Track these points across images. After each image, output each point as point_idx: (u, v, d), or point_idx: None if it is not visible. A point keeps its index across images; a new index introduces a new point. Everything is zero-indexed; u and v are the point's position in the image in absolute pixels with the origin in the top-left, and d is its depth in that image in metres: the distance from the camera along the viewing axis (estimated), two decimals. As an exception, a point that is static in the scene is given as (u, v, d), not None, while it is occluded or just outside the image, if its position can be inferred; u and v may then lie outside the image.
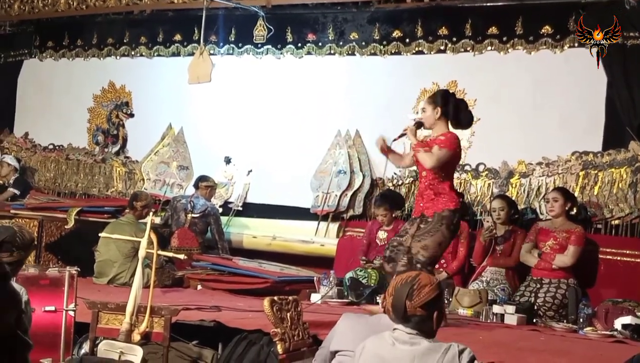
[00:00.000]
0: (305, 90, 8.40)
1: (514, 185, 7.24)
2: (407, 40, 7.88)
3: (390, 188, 7.67)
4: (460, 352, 2.93)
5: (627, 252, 6.58)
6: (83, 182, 9.64)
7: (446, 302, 6.13)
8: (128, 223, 7.13)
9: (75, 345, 4.84)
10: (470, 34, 7.55)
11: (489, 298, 6.28)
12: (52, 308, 4.48)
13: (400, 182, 7.73)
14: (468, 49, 7.57)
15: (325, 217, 7.91)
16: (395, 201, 7.14)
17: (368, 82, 8.10)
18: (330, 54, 8.33)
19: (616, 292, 6.36)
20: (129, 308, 4.57)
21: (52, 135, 9.97)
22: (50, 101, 9.99)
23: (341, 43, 8.25)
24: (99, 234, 6.30)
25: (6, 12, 9.93)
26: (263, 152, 8.52)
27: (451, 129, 5.50)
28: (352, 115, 8.12)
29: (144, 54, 9.38)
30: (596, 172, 6.85)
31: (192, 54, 8.76)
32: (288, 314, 3.90)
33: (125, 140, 9.55)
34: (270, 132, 8.50)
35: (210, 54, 8.56)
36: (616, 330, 5.56)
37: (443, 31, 7.70)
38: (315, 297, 6.34)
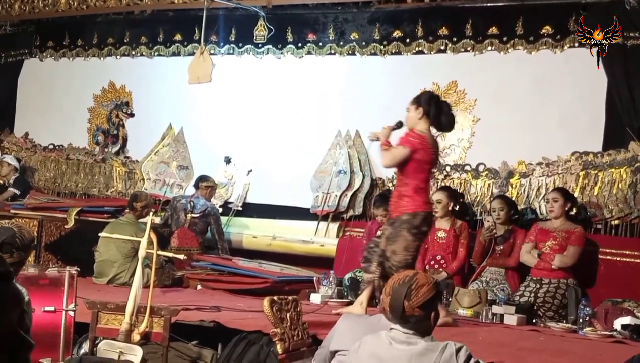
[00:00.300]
0: (306, 90, 8.40)
1: (514, 186, 7.23)
2: (408, 40, 7.88)
3: (390, 188, 7.66)
4: (457, 351, 2.93)
5: (627, 252, 6.58)
6: (83, 182, 9.64)
7: (446, 302, 6.14)
8: (128, 223, 7.13)
9: (75, 345, 4.83)
10: (470, 34, 7.55)
11: (489, 298, 6.28)
12: (52, 308, 4.46)
13: (400, 182, 7.72)
14: (468, 49, 7.57)
15: (325, 217, 7.91)
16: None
17: (368, 82, 8.10)
18: (330, 54, 8.33)
19: (616, 292, 6.35)
20: (129, 308, 4.58)
21: (52, 135, 9.97)
22: (50, 101, 9.99)
23: (341, 43, 8.25)
24: (99, 234, 6.31)
25: (7, 12, 9.93)
26: (263, 152, 8.52)
27: (434, 132, 5.48)
28: (352, 116, 8.11)
29: (144, 53, 9.38)
30: (596, 172, 6.85)
31: (193, 54, 8.76)
32: (288, 314, 3.89)
33: (125, 140, 9.55)
34: (271, 132, 8.50)
35: (211, 54, 8.56)
36: (616, 330, 5.56)
37: (443, 31, 7.70)
38: (315, 297, 6.35)
